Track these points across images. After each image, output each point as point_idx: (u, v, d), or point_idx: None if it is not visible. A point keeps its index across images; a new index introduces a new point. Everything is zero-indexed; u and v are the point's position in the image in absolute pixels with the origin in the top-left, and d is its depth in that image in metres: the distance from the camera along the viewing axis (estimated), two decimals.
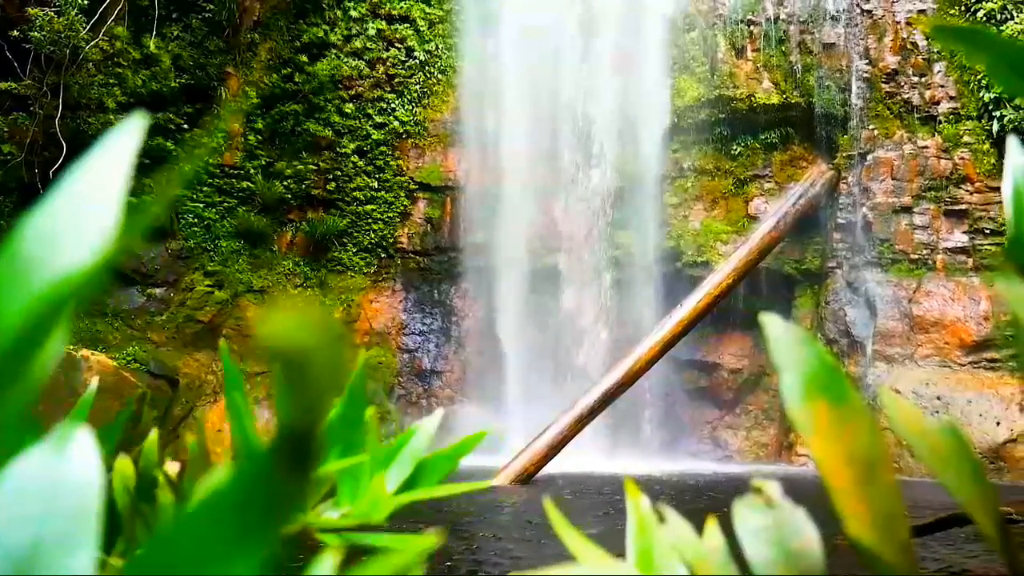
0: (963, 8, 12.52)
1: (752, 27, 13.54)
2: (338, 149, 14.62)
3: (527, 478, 9.98)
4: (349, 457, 0.61)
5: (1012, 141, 0.55)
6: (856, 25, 13.10)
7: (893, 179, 12.76)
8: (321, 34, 14.44)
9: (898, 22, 12.90)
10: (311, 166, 14.62)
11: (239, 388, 0.65)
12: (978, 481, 0.36)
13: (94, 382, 0.67)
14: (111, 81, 13.00)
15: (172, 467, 0.72)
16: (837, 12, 13.16)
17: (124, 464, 0.62)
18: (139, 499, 0.66)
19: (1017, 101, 11.91)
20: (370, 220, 14.73)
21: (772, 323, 0.37)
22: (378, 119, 14.64)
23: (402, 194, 14.73)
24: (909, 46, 12.85)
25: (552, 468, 10.24)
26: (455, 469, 0.63)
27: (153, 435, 0.73)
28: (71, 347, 11.94)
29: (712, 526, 0.40)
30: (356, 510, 0.54)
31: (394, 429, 13.25)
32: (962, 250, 12.43)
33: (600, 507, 7.76)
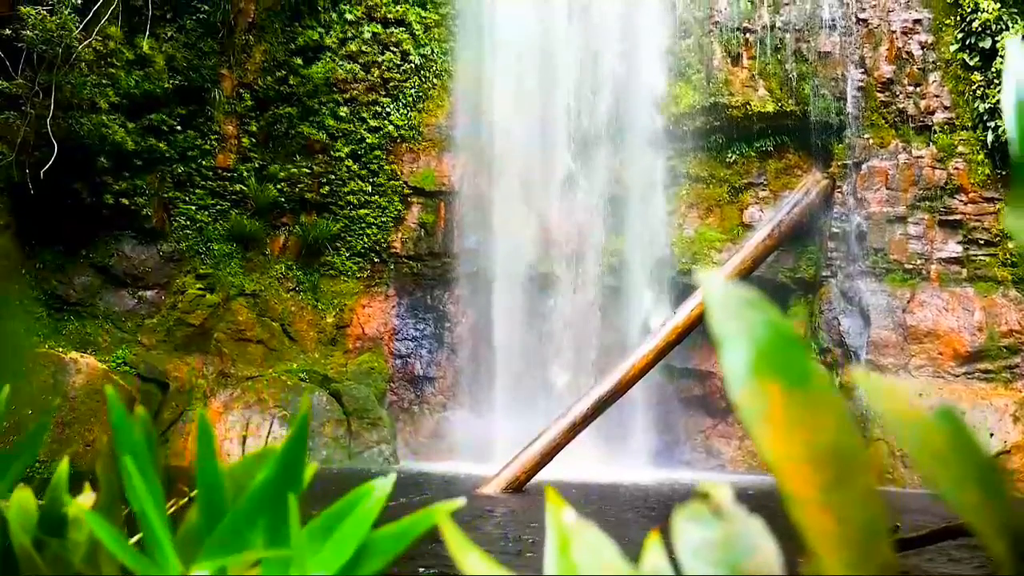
0: (959, 18, 12.51)
1: (748, 35, 13.52)
2: (332, 153, 14.54)
3: (519, 486, 9.88)
4: (275, 532, 0.51)
5: (1013, 44, 0.47)
6: (852, 34, 13.09)
7: (887, 188, 12.72)
8: (316, 37, 14.37)
9: (894, 32, 12.88)
10: (305, 169, 14.55)
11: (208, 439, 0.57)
12: (986, 483, 0.28)
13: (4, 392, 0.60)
14: (104, 81, 12.91)
15: (85, 500, 0.63)
16: (833, 21, 13.14)
17: (23, 497, 0.54)
18: (44, 537, 0.58)
19: None
20: (363, 224, 14.65)
21: (711, 282, 0.29)
22: (372, 123, 14.58)
23: (396, 199, 14.65)
24: (905, 56, 12.83)
25: (544, 476, 10.14)
26: (408, 546, 0.53)
27: (64, 464, 0.65)
28: (60, 349, 11.83)
29: (654, 544, 0.32)
30: None
31: (385, 435, 13.15)
32: (956, 260, 12.39)
33: (594, 518, 7.65)
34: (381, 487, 0.58)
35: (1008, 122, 0.40)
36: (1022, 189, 0.36)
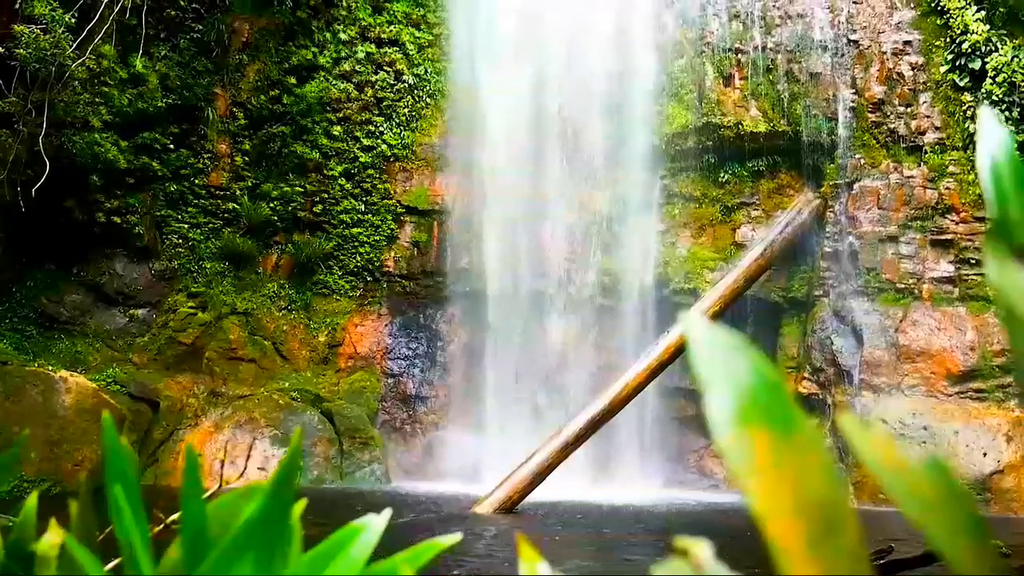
0: (949, 39, 12.62)
1: (740, 55, 13.61)
2: (325, 172, 14.55)
3: (511, 507, 9.81)
4: (260, 571, 0.49)
5: (984, 112, 0.47)
6: (843, 55, 13.19)
7: (879, 208, 12.78)
8: (310, 56, 14.41)
9: (884, 53, 12.99)
10: (298, 188, 14.54)
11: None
12: (975, 531, 0.27)
13: None
14: (97, 100, 12.91)
15: (53, 538, 0.61)
16: (824, 42, 13.24)
17: None
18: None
19: None
20: (356, 243, 14.63)
21: (695, 326, 0.28)
22: (366, 142, 14.59)
23: (389, 218, 14.65)
24: (895, 76, 12.93)
25: (536, 496, 10.08)
26: None
27: (32, 499, 0.62)
28: (50, 368, 11.74)
29: None
30: None
31: (377, 454, 13.07)
32: (948, 280, 12.43)
33: (589, 540, 7.62)
34: (376, 523, 0.56)
35: (984, 184, 0.39)
36: (1001, 245, 0.35)
